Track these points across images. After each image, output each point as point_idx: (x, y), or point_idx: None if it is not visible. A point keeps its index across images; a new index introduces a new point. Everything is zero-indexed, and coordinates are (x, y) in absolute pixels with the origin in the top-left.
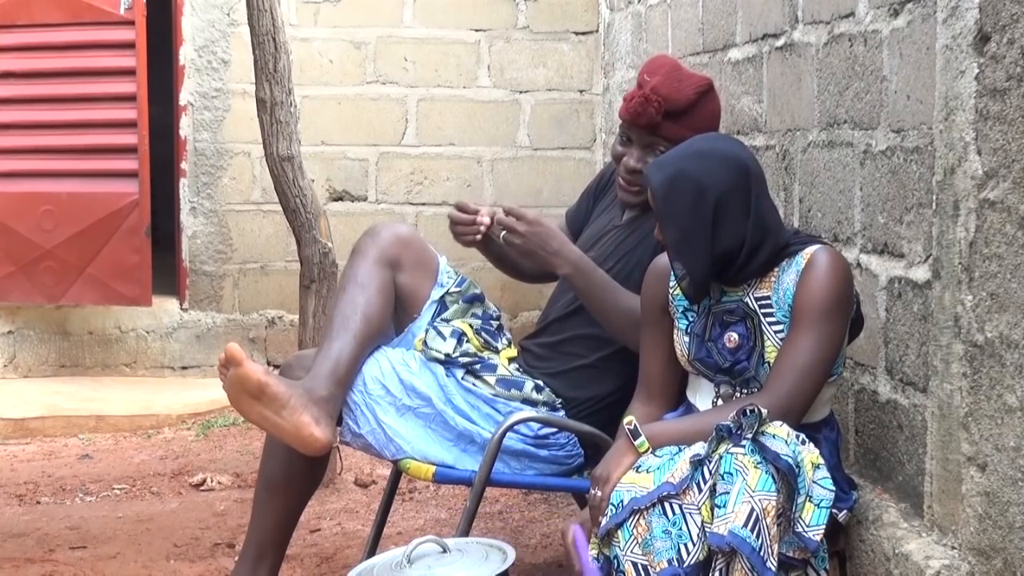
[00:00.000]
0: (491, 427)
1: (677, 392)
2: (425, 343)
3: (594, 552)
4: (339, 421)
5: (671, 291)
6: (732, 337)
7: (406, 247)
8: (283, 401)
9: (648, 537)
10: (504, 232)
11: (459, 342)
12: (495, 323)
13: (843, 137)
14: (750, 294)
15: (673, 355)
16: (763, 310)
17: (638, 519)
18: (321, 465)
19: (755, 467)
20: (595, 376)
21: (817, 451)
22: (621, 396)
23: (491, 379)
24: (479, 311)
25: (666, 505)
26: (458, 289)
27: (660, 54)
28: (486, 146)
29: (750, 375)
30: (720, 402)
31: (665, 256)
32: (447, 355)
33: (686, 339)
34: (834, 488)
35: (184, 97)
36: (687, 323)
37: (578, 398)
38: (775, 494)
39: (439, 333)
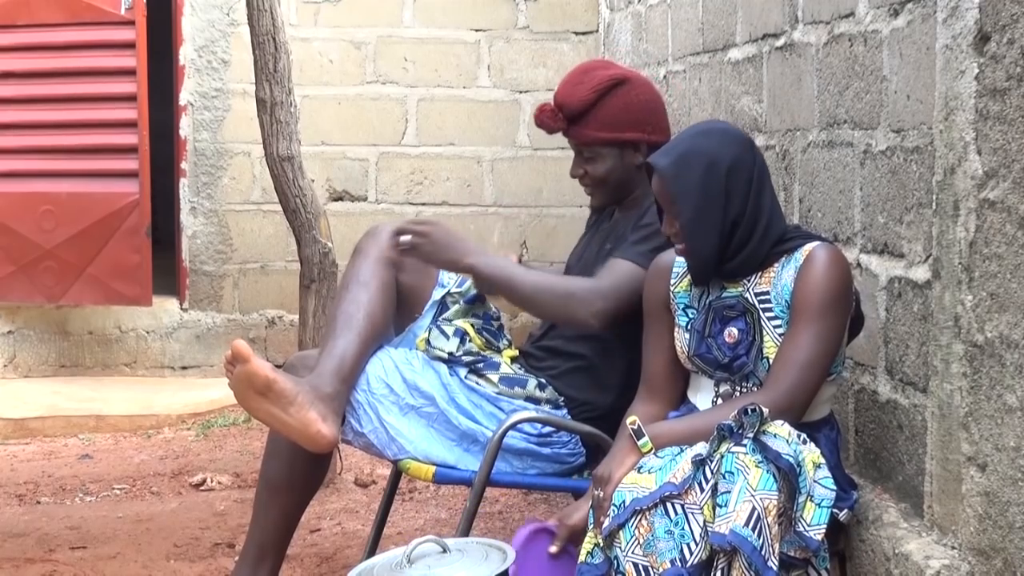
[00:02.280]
0: (494, 426)
1: (679, 391)
2: (428, 342)
3: (588, 546)
4: (341, 422)
5: (672, 288)
6: (732, 332)
7: None
8: (290, 398)
9: (650, 537)
10: (409, 237)
11: (462, 341)
12: (496, 323)
13: (843, 137)
14: (750, 289)
15: (675, 353)
16: (762, 305)
17: (640, 520)
18: (323, 466)
19: (756, 466)
20: (596, 379)
21: (818, 450)
22: (622, 404)
23: (494, 377)
24: (480, 311)
25: (668, 505)
26: (459, 290)
27: (592, 59)
28: (486, 146)
29: (749, 370)
30: (719, 400)
31: (666, 254)
32: (450, 353)
33: (686, 335)
34: (835, 487)
35: (184, 97)
36: (687, 320)
37: (579, 398)
38: (776, 493)
39: (442, 332)
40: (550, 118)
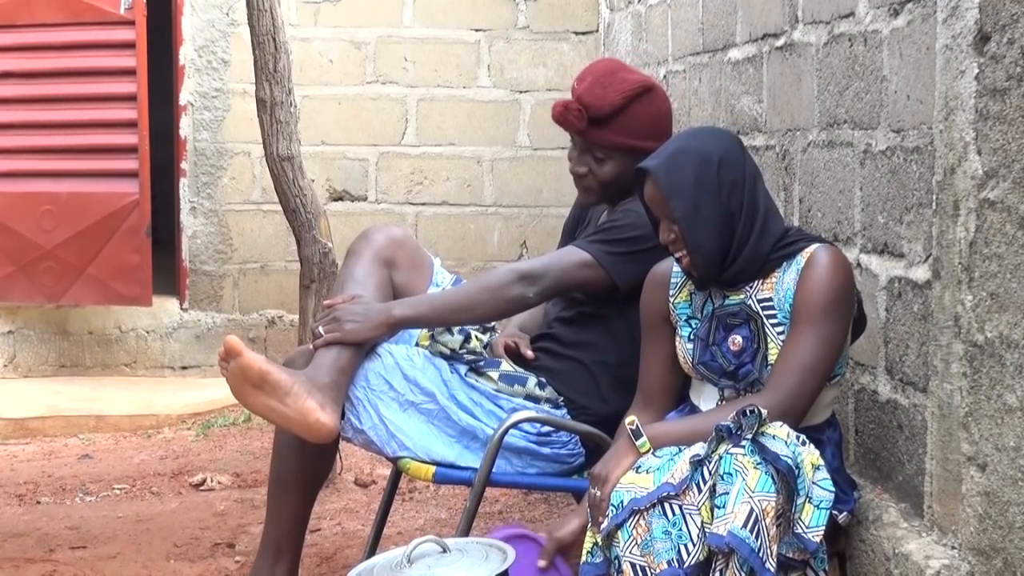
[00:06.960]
0: (494, 423)
1: (675, 399)
2: (433, 337)
3: (588, 545)
4: (341, 415)
5: (672, 300)
6: (736, 340)
7: (400, 247)
8: (286, 388)
9: (648, 538)
10: (321, 322)
11: (466, 340)
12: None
13: (843, 137)
14: (753, 296)
15: (672, 362)
16: (766, 312)
17: (638, 520)
18: (329, 457)
19: (754, 468)
20: (594, 381)
21: (817, 452)
22: (622, 407)
23: (494, 375)
24: None
25: (666, 506)
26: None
27: (604, 57)
28: (486, 146)
29: (754, 378)
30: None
31: (662, 264)
32: (453, 350)
33: (689, 345)
34: (834, 489)
35: (184, 97)
36: (690, 330)
37: (578, 400)
38: (774, 495)
39: (447, 328)
40: (576, 117)
